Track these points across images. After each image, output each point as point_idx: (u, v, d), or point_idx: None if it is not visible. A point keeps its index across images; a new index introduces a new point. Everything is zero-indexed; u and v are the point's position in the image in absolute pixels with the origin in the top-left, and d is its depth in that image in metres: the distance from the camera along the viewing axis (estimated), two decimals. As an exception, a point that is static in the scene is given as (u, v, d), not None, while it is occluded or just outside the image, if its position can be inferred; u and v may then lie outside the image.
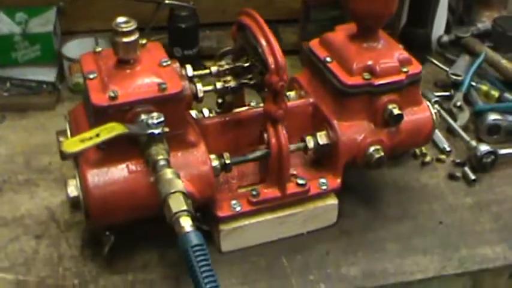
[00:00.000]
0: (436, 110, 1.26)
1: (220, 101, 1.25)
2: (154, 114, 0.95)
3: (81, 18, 1.72)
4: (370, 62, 1.16)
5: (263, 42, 1.07)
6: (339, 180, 1.20)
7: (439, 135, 1.47)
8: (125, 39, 1.01)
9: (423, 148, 1.43)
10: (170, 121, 1.03)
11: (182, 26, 1.59)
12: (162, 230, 1.00)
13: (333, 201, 1.21)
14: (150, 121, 0.94)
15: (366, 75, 1.15)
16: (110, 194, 1.03)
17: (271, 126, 1.11)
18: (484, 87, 1.59)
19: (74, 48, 1.61)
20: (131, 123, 0.99)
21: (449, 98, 1.59)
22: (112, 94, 0.99)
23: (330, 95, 1.19)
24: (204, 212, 1.14)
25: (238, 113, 1.21)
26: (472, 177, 1.36)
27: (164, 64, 1.07)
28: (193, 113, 1.24)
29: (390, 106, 1.17)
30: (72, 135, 1.11)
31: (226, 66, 1.17)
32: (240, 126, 1.20)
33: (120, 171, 1.03)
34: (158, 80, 1.02)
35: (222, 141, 1.20)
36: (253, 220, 1.16)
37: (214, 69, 1.16)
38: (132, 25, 1.01)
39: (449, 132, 1.50)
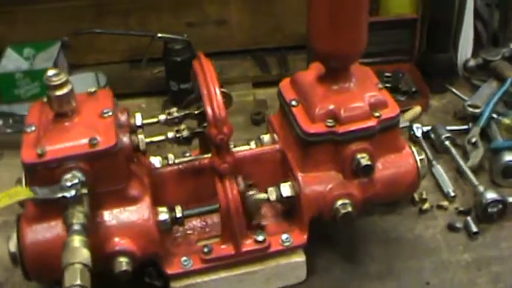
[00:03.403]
0: (422, 156, 1.11)
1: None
2: (68, 176, 0.90)
3: (86, 51, 1.72)
4: (333, 107, 1.04)
5: (204, 91, 0.99)
6: (305, 236, 1.09)
7: (444, 178, 1.31)
8: (57, 93, 0.97)
9: (424, 192, 1.29)
10: (106, 176, 0.99)
11: (177, 59, 1.54)
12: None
13: (299, 258, 1.10)
14: (63, 183, 0.89)
15: (329, 122, 1.04)
16: (45, 250, 0.99)
17: (219, 181, 1.03)
18: (507, 121, 1.40)
19: (73, 83, 1.60)
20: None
21: (467, 132, 1.42)
22: (39, 151, 0.95)
23: (296, 143, 1.09)
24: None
25: (196, 161, 1.13)
26: (474, 229, 1.19)
27: (105, 115, 1.02)
28: (157, 160, 1.19)
29: (359, 156, 1.04)
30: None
31: (176, 114, 1.10)
32: (199, 175, 1.13)
33: (55, 228, 0.99)
34: (90, 135, 0.97)
35: (181, 191, 1.13)
36: (206, 278, 1.07)
37: (162, 117, 1.09)
38: (63, 78, 0.97)
39: (459, 173, 1.34)
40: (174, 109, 1.10)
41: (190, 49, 1.55)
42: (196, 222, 1.16)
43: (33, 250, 0.99)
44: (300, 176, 1.07)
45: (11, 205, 0.87)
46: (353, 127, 1.03)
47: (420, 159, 1.11)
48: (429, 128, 1.43)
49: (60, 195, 0.88)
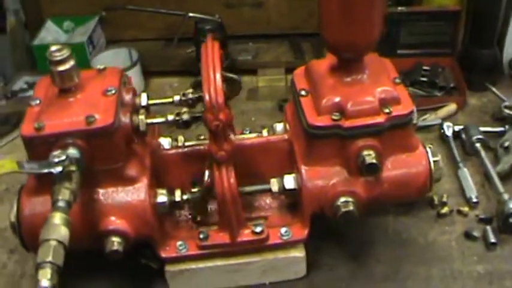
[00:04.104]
0: (437, 158, 1.05)
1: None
2: (56, 152, 0.90)
3: (124, 27, 1.72)
4: (339, 99, 0.99)
5: (204, 74, 0.96)
6: (305, 231, 1.05)
7: (469, 182, 1.23)
8: (59, 68, 0.97)
9: (444, 195, 1.21)
10: (103, 155, 0.98)
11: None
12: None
13: (298, 253, 1.06)
14: (50, 159, 0.89)
15: (335, 116, 0.99)
16: (41, 223, 0.99)
17: (216, 168, 1.00)
18: (547, 127, 1.31)
19: (106, 58, 1.61)
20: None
21: (502, 135, 1.33)
22: (37, 125, 0.95)
23: (303, 134, 1.05)
24: (156, 249, 1.07)
25: (202, 145, 1.11)
26: (492, 239, 1.11)
27: (108, 94, 1.01)
28: (167, 141, 1.18)
29: (365, 153, 0.99)
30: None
31: (190, 96, 1.08)
32: (205, 160, 1.10)
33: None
34: (88, 113, 0.96)
35: (185, 175, 1.12)
36: (201, 264, 1.06)
37: (177, 98, 1.08)
38: (65, 53, 0.97)
39: (487, 178, 1.25)
40: (190, 90, 1.08)
41: (222, 30, 1.53)
42: (201, 208, 1.15)
43: (30, 222, 1.00)
44: (303, 169, 1.03)
45: (-2, 177, 0.88)
46: (359, 122, 0.98)
47: (434, 161, 1.04)
48: (461, 127, 1.35)
49: (45, 170, 0.88)
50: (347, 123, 0.98)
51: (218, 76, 0.96)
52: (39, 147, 0.96)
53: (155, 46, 1.73)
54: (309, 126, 1.00)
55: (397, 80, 1.04)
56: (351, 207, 1.00)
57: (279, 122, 1.18)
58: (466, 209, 1.19)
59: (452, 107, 1.42)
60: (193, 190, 1.05)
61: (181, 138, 1.18)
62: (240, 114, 1.54)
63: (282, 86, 1.60)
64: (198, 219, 1.10)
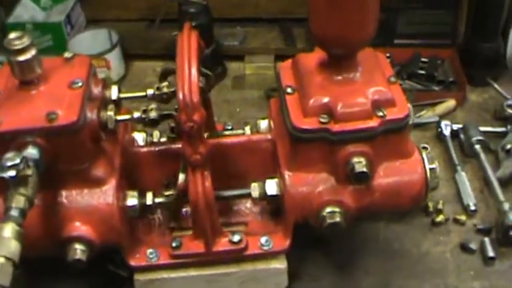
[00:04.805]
0: (434, 166, 0.96)
1: (173, 124, 1.07)
2: (9, 155, 0.80)
3: (105, 6, 1.61)
4: (328, 100, 0.89)
5: (179, 70, 0.87)
6: (287, 242, 0.96)
7: (467, 187, 1.14)
8: (19, 58, 0.87)
9: (440, 202, 1.13)
10: (66, 155, 0.89)
11: (192, 23, 1.40)
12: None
13: (278, 264, 0.98)
14: (2, 162, 0.80)
15: (323, 118, 0.89)
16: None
17: (191, 172, 0.91)
18: (552, 128, 1.22)
19: (84, 40, 1.51)
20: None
21: (504, 136, 1.24)
22: (-8, 121, 0.86)
23: (288, 136, 0.95)
24: (125, 256, 0.99)
25: (177, 143, 1.02)
26: (491, 253, 1.03)
27: (75, 86, 0.91)
28: (141, 136, 1.09)
29: (354, 160, 0.90)
30: None
31: (165, 90, 0.98)
32: (179, 159, 1.01)
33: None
34: (50, 109, 0.87)
35: (159, 175, 1.02)
36: (173, 274, 0.97)
37: (150, 92, 0.98)
38: (25, 41, 0.86)
39: (486, 183, 1.17)
40: (165, 84, 0.98)
41: (207, 13, 1.42)
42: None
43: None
44: (286, 174, 0.94)
45: None
46: (350, 126, 0.89)
47: (431, 169, 0.95)
48: (460, 126, 1.26)
49: (-3, 175, 0.78)
50: (336, 127, 0.89)
51: (194, 72, 0.86)
52: (-5, 144, 0.87)
53: (137, 27, 1.62)
54: (293, 128, 0.91)
55: (392, 79, 0.95)
56: (338, 219, 0.91)
57: (264, 118, 1.09)
58: (463, 217, 1.11)
59: (451, 103, 1.33)
60: (166, 193, 0.97)
61: (156, 133, 1.09)
62: (225, 104, 1.45)
63: (270, 75, 1.49)
64: (172, 225, 1.01)
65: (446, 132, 1.26)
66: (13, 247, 0.75)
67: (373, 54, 0.97)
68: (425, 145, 1.21)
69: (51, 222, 0.92)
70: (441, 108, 1.32)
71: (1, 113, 0.87)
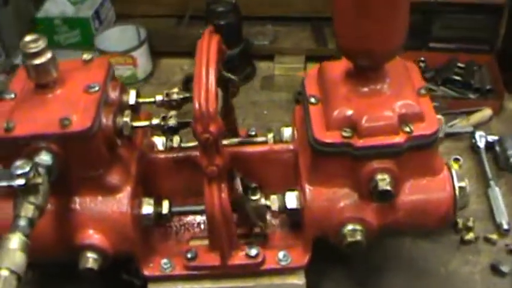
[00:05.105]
0: (463, 184, 0.90)
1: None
2: (19, 163, 0.78)
3: (135, 1, 1.59)
4: (352, 113, 0.85)
5: (196, 77, 0.83)
6: (306, 258, 0.93)
7: (500, 204, 1.09)
8: (34, 62, 0.85)
9: (471, 219, 1.07)
10: (80, 161, 0.87)
11: (219, 22, 1.37)
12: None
13: (296, 280, 0.94)
14: (12, 170, 0.78)
15: (346, 132, 0.85)
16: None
17: (207, 183, 0.88)
18: None
19: (111, 36, 1.49)
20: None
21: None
22: (6, 125, 0.84)
23: (309, 148, 0.91)
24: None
25: (195, 150, 0.98)
26: (522, 277, 0.98)
27: (91, 91, 0.89)
28: (160, 140, 1.06)
29: (378, 177, 0.85)
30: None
31: (175, 97, 0.95)
32: (198, 167, 0.98)
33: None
34: (64, 114, 0.84)
35: (177, 183, 1.00)
36: (187, 285, 0.94)
37: (159, 98, 0.95)
38: (41, 44, 0.85)
39: (525, 200, 1.11)
40: (175, 90, 0.95)
41: (236, 12, 1.39)
42: (192, 217, 1.03)
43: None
44: (307, 187, 0.90)
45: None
46: (374, 142, 0.84)
47: (460, 187, 0.90)
48: (495, 138, 1.19)
49: (4, 183, 0.77)
50: (359, 142, 0.84)
51: (212, 80, 0.83)
52: (7, 149, 0.85)
53: (166, 24, 1.60)
54: (315, 141, 0.86)
55: (423, 91, 0.90)
56: (359, 237, 0.87)
57: (288, 125, 1.05)
58: (494, 236, 1.05)
59: (486, 112, 1.27)
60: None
61: (176, 138, 1.06)
62: (252, 105, 1.41)
63: (300, 76, 1.45)
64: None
65: (481, 143, 1.19)
66: (18, 259, 0.73)
67: (403, 64, 0.92)
68: (458, 157, 1.17)
69: (65, 228, 0.90)
70: (476, 117, 1.26)
71: (15, 116, 0.86)
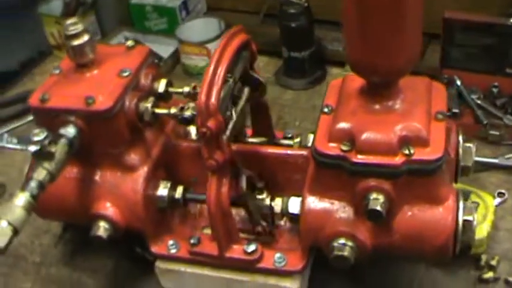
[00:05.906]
0: (470, 218, 0.86)
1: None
2: (36, 131, 0.87)
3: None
4: (352, 127, 0.84)
5: (206, 72, 0.87)
6: (301, 263, 0.94)
7: (532, 246, 1.01)
8: (73, 43, 0.94)
9: (496, 257, 1.00)
10: (102, 137, 0.96)
11: (290, 24, 1.39)
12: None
13: (289, 284, 0.95)
14: (30, 136, 0.87)
15: (345, 145, 0.84)
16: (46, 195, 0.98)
17: (210, 175, 0.92)
18: None
19: (193, 27, 1.56)
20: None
21: None
22: (41, 97, 0.94)
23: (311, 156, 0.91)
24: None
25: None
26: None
27: (123, 75, 0.96)
28: (194, 129, 1.11)
29: (373, 196, 0.83)
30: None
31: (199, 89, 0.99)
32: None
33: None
34: (90, 93, 0.93)
35: (193, 171, 1.05)
36: (189, 269, 0.99)
37: (186, 89, 1.00)
38: (79, 27, 0.93)
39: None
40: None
41: (308, 15, 1.39)
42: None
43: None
44: (307, 195, 0.90)
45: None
46: (370, 159, 0.83)
47: (465, 220, 0.85)
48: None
49: (19, 147, 0.86)
50: (356, 158, 0.83)
51: (219, 77, 0.86)
52: (43, 118, 0.96)
53: (252, 20, 1.64)
54: (316, 151, 0.87)
55: (440, 116, 0.86)
56: (346, 253, 0.86)
57: (313, 132, 1.05)
58: (515, 280, 0.98)
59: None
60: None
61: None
62: (312, 109, 1.41)
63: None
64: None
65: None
66: (18, 215, 0.82)
67: (425, 84, 0.89)
68: (503, 191, 1.11)
69: (86, 196, 0.99)
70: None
71: (52, 90, 0.96)
